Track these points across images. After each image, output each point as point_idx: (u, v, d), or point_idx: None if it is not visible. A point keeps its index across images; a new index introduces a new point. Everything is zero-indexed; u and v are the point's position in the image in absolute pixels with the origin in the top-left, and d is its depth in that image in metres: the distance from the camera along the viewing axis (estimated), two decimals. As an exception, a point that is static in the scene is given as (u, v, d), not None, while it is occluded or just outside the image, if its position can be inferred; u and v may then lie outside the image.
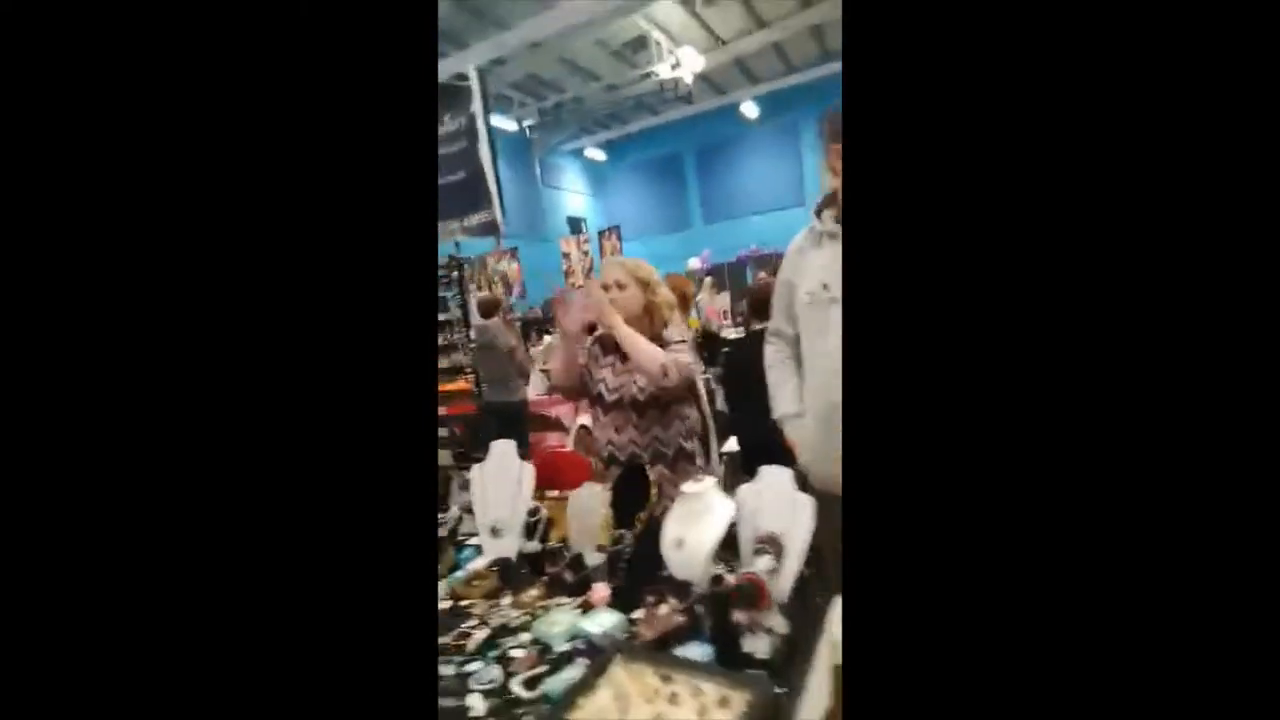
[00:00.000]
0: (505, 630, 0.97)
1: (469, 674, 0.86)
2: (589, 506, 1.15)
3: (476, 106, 4.43)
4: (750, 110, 9.92)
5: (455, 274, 4.36)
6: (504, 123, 9.89)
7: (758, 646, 0.80)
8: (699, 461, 1.41)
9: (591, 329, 1.45)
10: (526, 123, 9.74)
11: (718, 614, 0.83)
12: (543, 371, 4.36)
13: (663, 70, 8.08)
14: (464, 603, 1.06)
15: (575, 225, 7.52)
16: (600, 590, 1.02)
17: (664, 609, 0.90)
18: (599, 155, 11.69)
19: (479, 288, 7.29)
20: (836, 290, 1.18)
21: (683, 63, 7.76)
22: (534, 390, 4.18)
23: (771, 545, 0.89)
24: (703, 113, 10.43)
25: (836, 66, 9.03)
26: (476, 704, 0.79)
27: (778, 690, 0.72)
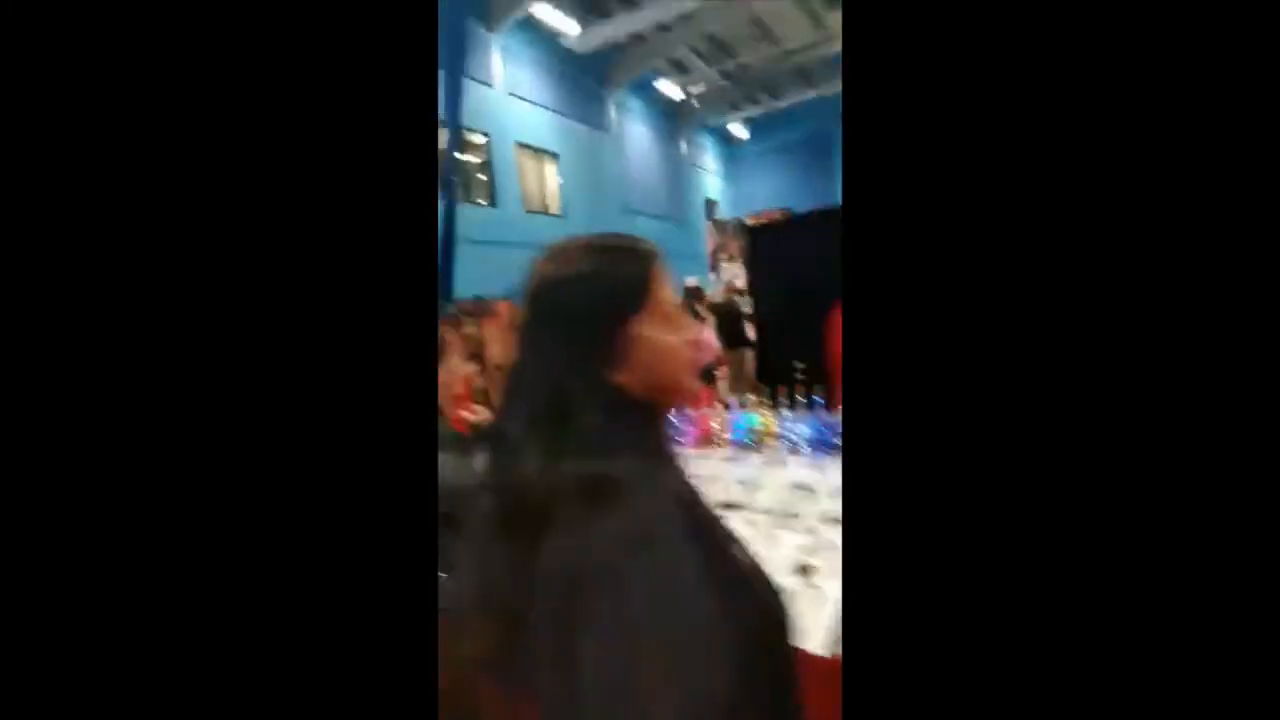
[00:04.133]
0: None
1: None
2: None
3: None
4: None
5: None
6: (669, 89, 9.43)
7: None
8: None
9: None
10: (694, 89, 9.21)
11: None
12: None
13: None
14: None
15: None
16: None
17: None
18: (742, 133, 11.20)
19: (731, 258, 6.73)
20: None
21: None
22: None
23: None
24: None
25: None
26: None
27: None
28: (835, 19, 8.34)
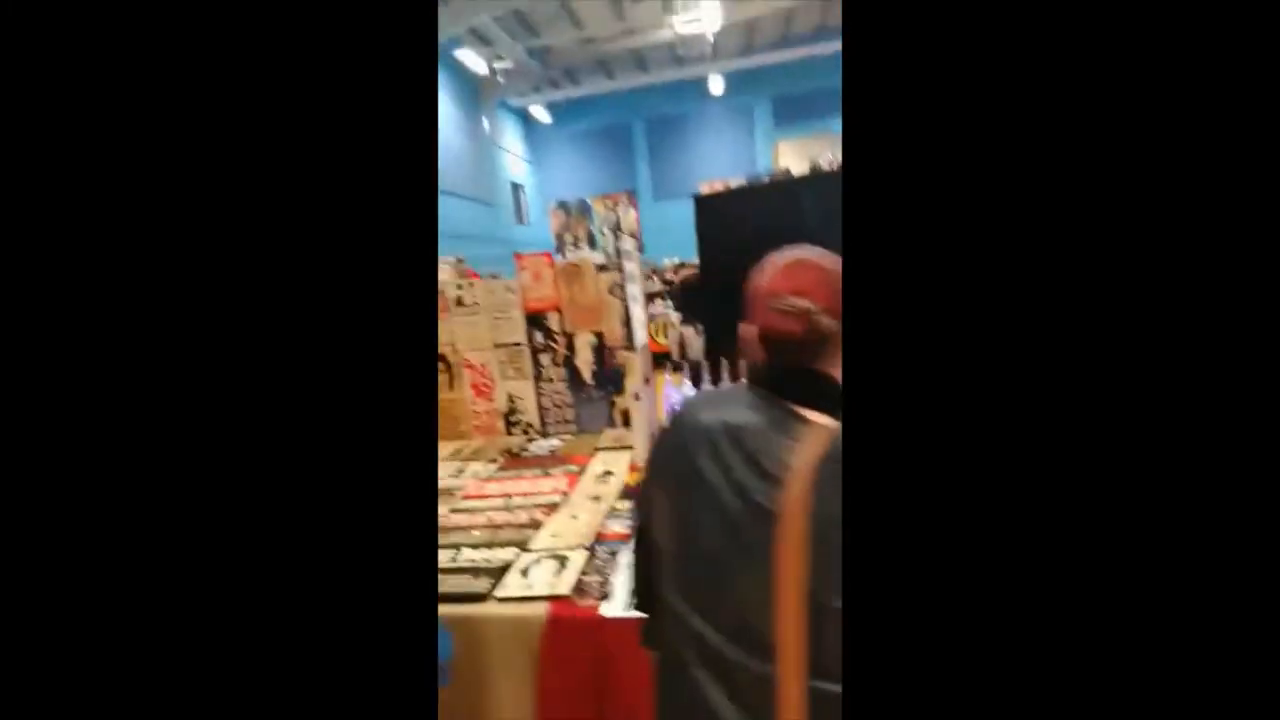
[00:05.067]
0: None
1: None
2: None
3: None
4: (716, 85, 10.22)
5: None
6: (473, 61, 9.04)
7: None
8: None
9: None
10: (498, 65, 8.97)
11: None
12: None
13: (678, 24, 8.04)
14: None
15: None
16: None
17: None
18: (544, 116, 11.13)
19: (576, 243, 6.57)
20: None
21: (704, 18, 7.77)
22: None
23: None
24: (659, 84, 10.53)
25: (800, 51, 10.00)
26: None
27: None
28: (636, 12, 8.71)
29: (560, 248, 6.66)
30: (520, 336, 2.46)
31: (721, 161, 10.79)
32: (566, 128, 11.69)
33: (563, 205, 6.68)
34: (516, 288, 2.30)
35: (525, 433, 2.52)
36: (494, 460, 2.26)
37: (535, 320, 2.40)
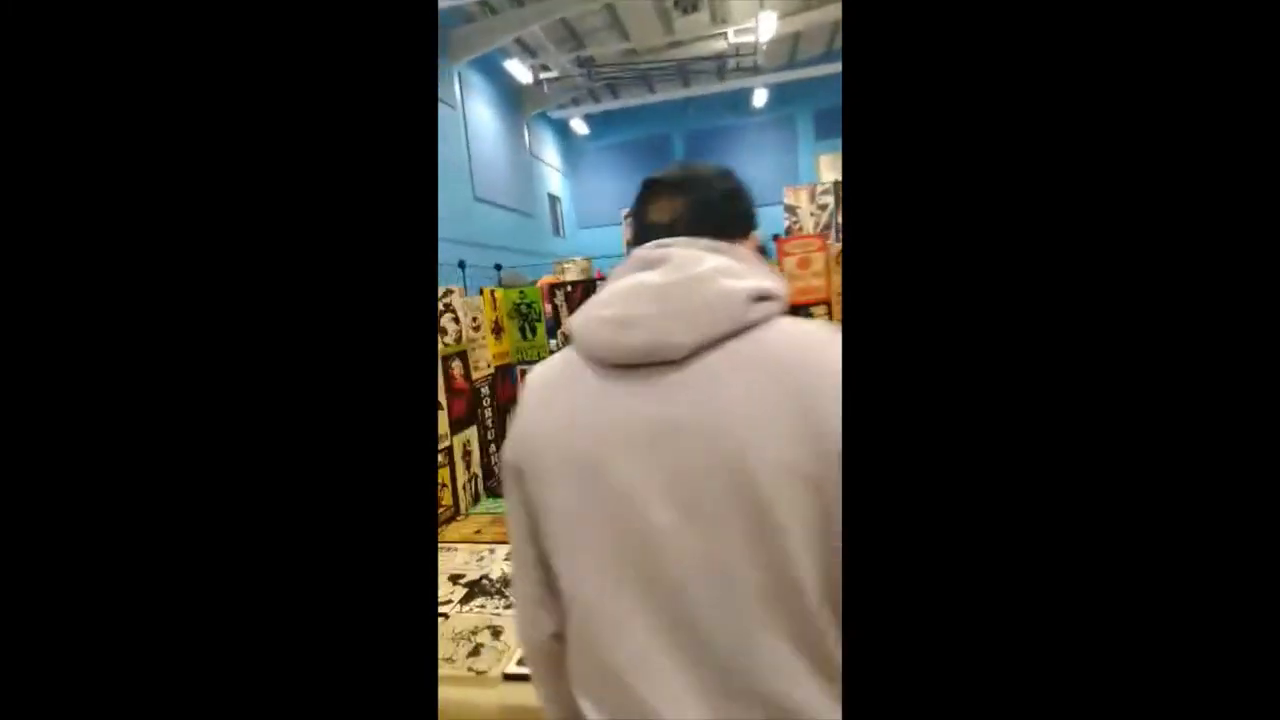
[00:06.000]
0: None
1: None
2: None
3: None
4: (760, 98, 10.13)
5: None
6: (519, 71, 8.89)
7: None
8: None
9: None
10: (544, 75, 8.80)
11: None
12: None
13: (732, 34, 7.93)
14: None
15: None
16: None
17: None
18: (582, 128, 11.00)
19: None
20: None
21: (761, 26, 7.64)
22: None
23: None
24: (699, 96, 10.43)
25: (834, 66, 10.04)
26: None
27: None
28: (685, 24, 8.62)
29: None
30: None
31: (764, 174, 10.70)
32: (603, 140, 11.58)
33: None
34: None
35: None
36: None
37: (797, 314, 2.12)
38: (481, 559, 1.69)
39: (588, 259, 6.26)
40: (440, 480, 1.87)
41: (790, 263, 2.03)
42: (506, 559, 1.67)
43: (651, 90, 10.66)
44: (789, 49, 9.83)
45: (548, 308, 2.31)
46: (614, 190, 11.25)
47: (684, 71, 9.85)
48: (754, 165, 10.85)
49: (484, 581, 1.60)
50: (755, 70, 9.29)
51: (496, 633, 1.35)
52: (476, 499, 2.02)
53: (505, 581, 1.54)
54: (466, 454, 1.95)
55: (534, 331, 2.35)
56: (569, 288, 2.29)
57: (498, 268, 5.25)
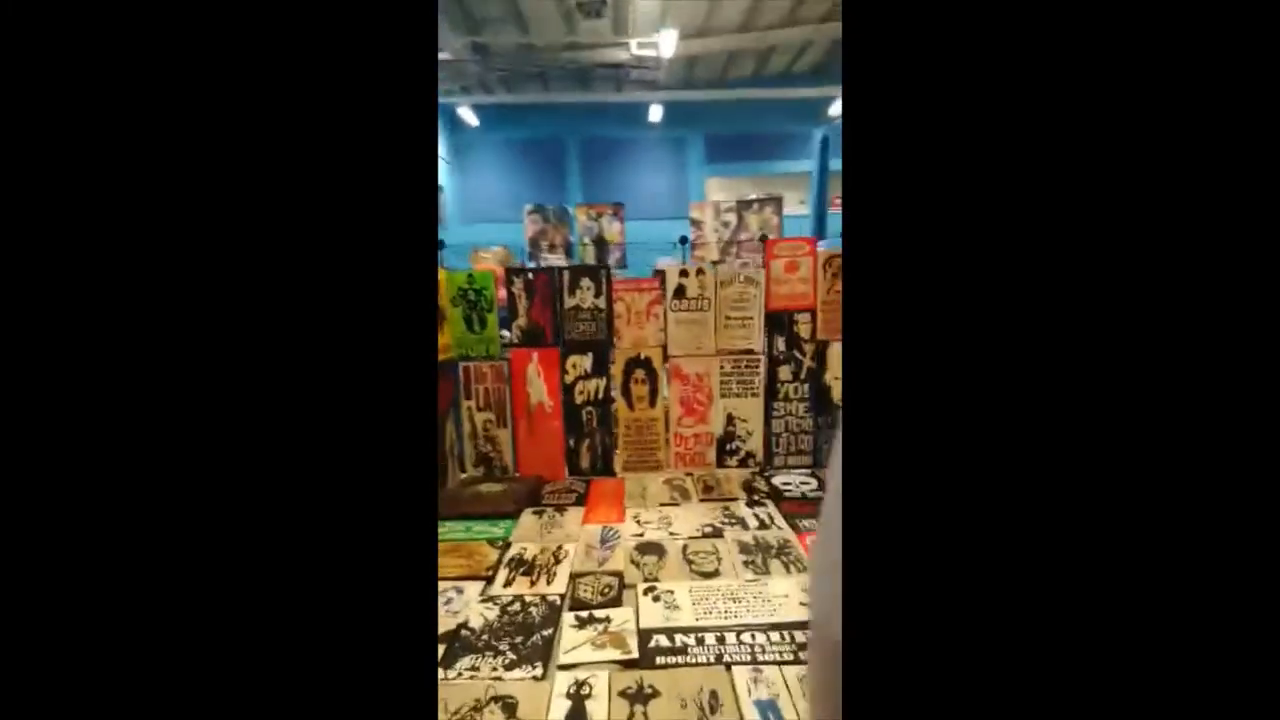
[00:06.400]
0: None
1: None
2: None
3: None
4: (656, 113, 10.17)
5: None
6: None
7: None
8: None
9: None
10: (440, 55, 8.20)
11: None
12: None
13: (634, 45, 7.87)
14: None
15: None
16: None
17: None
18: (471, 118, 10.39)
19: (552, 248, 5.91)
20: None
21: (662, 42, 7.67)
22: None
23: None
24: (596, 103, 10.29)
25: (736, 93, 10.39)
26: None
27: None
28: (588, 28, 8.47)
29: (534, 255, 6.14)
30: (756, 342, 2.03)
31: (657, 189, 10.78)
32: (494, 134, 11.06)
33: (540, 209, 6.18)
34: (760, 280, 1.91)
35: (744, 464, 2.10)
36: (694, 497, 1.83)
37: (778, 322, 1.99)
38: (449, 601, 1.38)
39: (504, 247, 5.86)
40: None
41: (778, 265, 1.94)
42: (485, 599, 1.37)
43: (546, 89, 10.39)
44: (685, 71, 10.03)
45: (501, 294, 2.04)
46: (502, 189, 10.82)
47: (584, 76, 9.71)
48: (647, 179, 10.93)
49: (464, 633, 1.26)
50: (653, 86, 9.36)
51: (510, 708, 1.04)
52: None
53: (493, 629, 1.25)
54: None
55: (483, 323, 2.06)
56: (529, 275, 2.03)
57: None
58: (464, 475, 2.12)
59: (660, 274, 2.03)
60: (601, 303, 2.05)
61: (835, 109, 9.76)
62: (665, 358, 2.08)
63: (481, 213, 11.28)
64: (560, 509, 1.86)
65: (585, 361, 2.10)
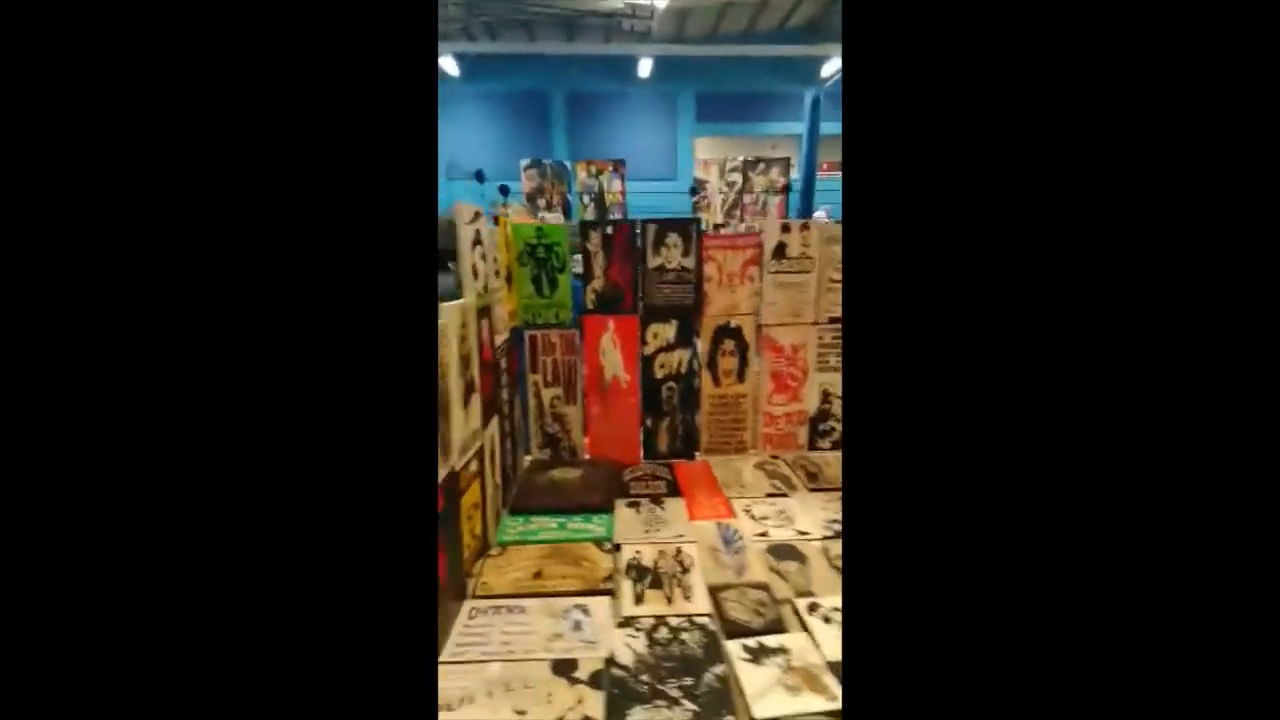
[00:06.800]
0: None
1: None
2: None
3: None
4: (645, 68, 9.70)
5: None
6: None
7: None
8: None
9: None
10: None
11: None
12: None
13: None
14: None
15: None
16: None
17: None
18: (453, 68, 9.74)
19: (550, 205, 5.53)
20: None
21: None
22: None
23: None
24: (583, 55, 9.76)
25: (726, 49, 10.00)
26: None
27: None
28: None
29: (533, 212, 5.78)
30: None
31: (645, 146, 10.35)
32: (476, 86, 10.42)
33: (537, 164, 5.79)
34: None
35: (838, 446, 1.87)
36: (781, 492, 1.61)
37: None
38: (578, 626, 1.09)
39: (523, 204, 5.51)
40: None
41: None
42: (624, 623, 1.08)
43: (532, 39, 9.81)
44: (676, 25, 9.57)
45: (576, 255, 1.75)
46: (485, 143, 10.24)
47: (570, 25, 9.17)
48: (636, 137, 10.49)
49: (615, 671, 0.98)
50: (644, 38, 8.90)
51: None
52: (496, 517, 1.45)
53: (648, 665, 0.97)
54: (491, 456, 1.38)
55: (554, 284, 1.78)
56: (608, 229, 1.75)
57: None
58: (530, 458, 1.86)
59: (758, 231, 1.77)
60: (690, 262, 1.79)
61: (827, 70, 9.46)
62: (758, 327, 1.84)
63: (463, 169, 10.77)
64: (656, 500, 1.62)
65: (668, 330, 1.84)
